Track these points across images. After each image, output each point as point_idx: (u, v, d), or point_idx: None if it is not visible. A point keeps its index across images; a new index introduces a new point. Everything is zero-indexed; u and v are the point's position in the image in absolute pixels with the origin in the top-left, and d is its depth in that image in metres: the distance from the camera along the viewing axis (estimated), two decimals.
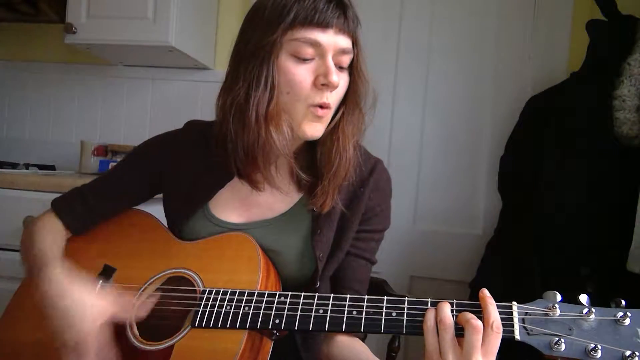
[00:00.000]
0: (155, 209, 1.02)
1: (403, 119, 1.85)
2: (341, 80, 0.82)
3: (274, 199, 0.91)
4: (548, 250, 1.40)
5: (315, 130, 0.83)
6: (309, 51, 0.79)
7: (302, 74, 0.80)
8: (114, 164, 1.73)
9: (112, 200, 0.98)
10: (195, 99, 1.95)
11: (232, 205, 0.92)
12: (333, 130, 0.85)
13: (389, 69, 1.86)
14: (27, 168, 1.83)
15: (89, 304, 0.76)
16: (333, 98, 0.82)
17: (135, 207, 1.01)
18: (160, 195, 1.01)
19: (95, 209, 0.97)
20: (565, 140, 1.42)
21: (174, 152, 0.96)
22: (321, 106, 0.81)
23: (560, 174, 1.40)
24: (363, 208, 0.91)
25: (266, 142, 0.80)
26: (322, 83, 0.80)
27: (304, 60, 0.80)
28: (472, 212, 1.81)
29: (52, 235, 0.93)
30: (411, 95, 1.85)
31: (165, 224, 0.97)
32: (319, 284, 0.88)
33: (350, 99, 0.86)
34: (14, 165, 1.80)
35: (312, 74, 0.80)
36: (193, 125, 0.99)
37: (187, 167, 0.93)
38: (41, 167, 1.89)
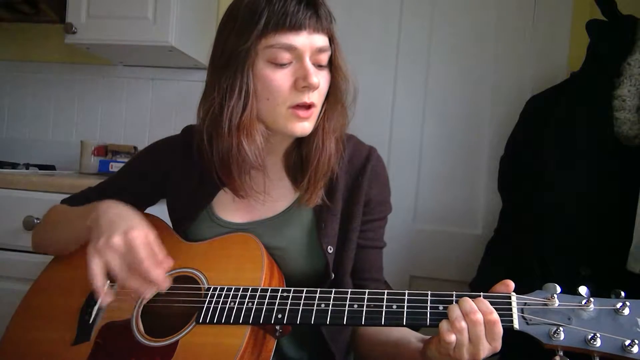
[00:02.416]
0: (158, 210, 1.02)
1: (403, 119, 1.86)
2: (322, 79, 0.83)
3: (273, 197, 0.91)
4: (548, 250, 1.39)
5: (303, 128, 0.83)
6: (285, 56, 0.79)
7: (281, 78, 0.80)
8: (114, 164, 1.74)
9: None
10: (195, 99, 1.93)
11: (235, 206, 0.93)
12: (316, 126, 0.86)
13: (389, 69, 1.86)
14: (27, 168, 1.83)
15: (134, 213, 0.80)
16: (315, 97, 0.83)
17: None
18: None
19: None
20: (565, 140, 1.42)
21: (174, 157, 0.97)
22: (304, 106, 0.81)
23: (560, 174, 1.40)
24: (364, 197, 0.91)
25: (238, 152, 0.81)
26: (302, 86, 0.80)
27: (281, 65, 0.80)
28: (472, 212, 1.81)
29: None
30: (411, 95, 1.85)
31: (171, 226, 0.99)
32: (333, 275, 0.88)
33: (331, 96, 0.87)
34: (14, 165, 1.80)
35: (291, 77, 0.80)
36: (190, 130, 0.99)
37: (187, 171, 0.95)
38: (41, 167, 1.89)
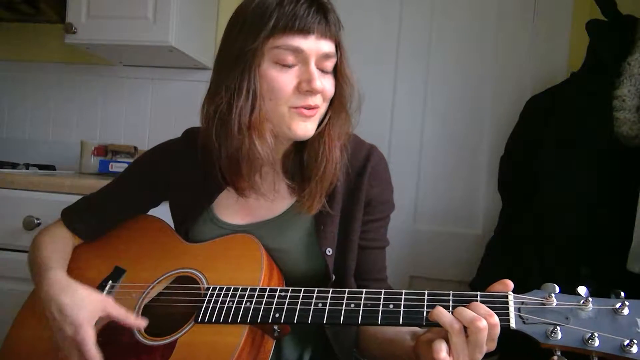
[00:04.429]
0: (161, 211, 1.03)
1: (403, 119, 1.86)
2: (327, 84, 0.82)
3: (274, 200, 0.91)
4: (548, 250, 1.39)
5: (306, 129, 0.82)
6: (290, 58, 0.79)
7: (285, 79, 0.80)
8: (114, 164, 1.74)
9: (120, 211, 1.01)
10: (195, 99, 1.89)
11: (235, 208, 0.93)
12: (320, 133, 0.85)
13: (389, 69, 1.86)
14: (27, 168, 1.83)
15: (86, 296, 0.79)
16: (319, 100, 0.82)
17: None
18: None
19: (104, 219, 1.00)
20: (565, 140, 1.42)
21: (175, 160, 0.97)
22: (306, 107, 0.81)
23: (560, 174, 1.40)
24: (364, 197, 0.90)
25: (250, 151, 0.81)
26: (305, 89, 0.79)
27: (286, 67, 0.80)
28: (472, 212, 1.81)
29: (59, 244, 0.96)
30: (411, 95, 1.85)
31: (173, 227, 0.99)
32: (333, 277, 0.88)
33: (336, 102, 0.86)
34: (14, 165, 1.80)
35: (295, 79, 0.80)
36: (191, 133, 0.99)
37: (187, 174, 0.95)
38: (41, 167, 1.90)
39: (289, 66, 0.80)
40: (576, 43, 1.68)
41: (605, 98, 1.36)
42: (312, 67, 0.80)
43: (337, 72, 0.85)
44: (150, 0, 1.66)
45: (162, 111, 2.03)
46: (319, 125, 0.86)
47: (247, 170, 0.83)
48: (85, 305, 0.78)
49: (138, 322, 0.80)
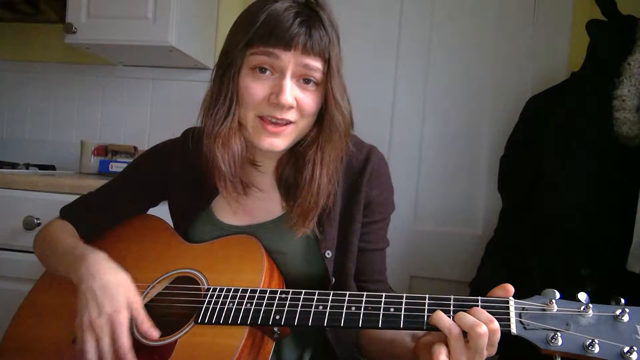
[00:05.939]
0: (160, 210, 1.03)
1: (403, 119, 1.85)
2: (305, 99, 0.80)
3: (272, 202, 0.91)
4: (548, 250, 1.39)
5: (271, 144, 0.81)
6: (266, 67, 0.78)
7: (257, 87, 0.79)
8: (114, 164, 1.74)
9: (119, 210, 1.01)
10: (195, 99, 1.92)
11: (234, 209, 0.93)
12: (306, 153, 0.84)
13: (389, 69, 1.86)
14: (27, 168, 1.83)
15: (129, 282, 0.80)
16: (294, 115, 0.81)
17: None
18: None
19: (102, 218, 1.00)
20: (565, 140, 1.42)
21: (174, 160, 0.97)
22: (272, 119, 0.79)
23: (560, 174, 1.40)
24: (363, 199, 0.90)
25: (213, 159, 0.82)
26: (274, 102, 0.78)
27: (262, 75, 0.79)
28: (472, 212, 1.81)
29: (74, 235, 0.96)
30: (411, 95, 1.85)
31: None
32: (333, 280, 0.88)
33: (325, 126, 0.83)
34: (14, 165, 1.80)
35: (268, 90, 0.79)
36: (191, 133, 0.99)
37: (186, 174, 0.95)
38: (41, 167, 1.90)
39: (265, 75, 0.79)
40: (576, 43, 1.68)
41: (605, 98, 1.36)
42: (286, 80, 0.78)
43: (327, 95, 0.82)
44: (150, 0, 1.66)
45: (162, 111, 2.03)
46: (308, 145, 0.84)
47: (217, 175, 0.83)
48: (128, 290, 0.78)
49: (151, 332, 0.78)
